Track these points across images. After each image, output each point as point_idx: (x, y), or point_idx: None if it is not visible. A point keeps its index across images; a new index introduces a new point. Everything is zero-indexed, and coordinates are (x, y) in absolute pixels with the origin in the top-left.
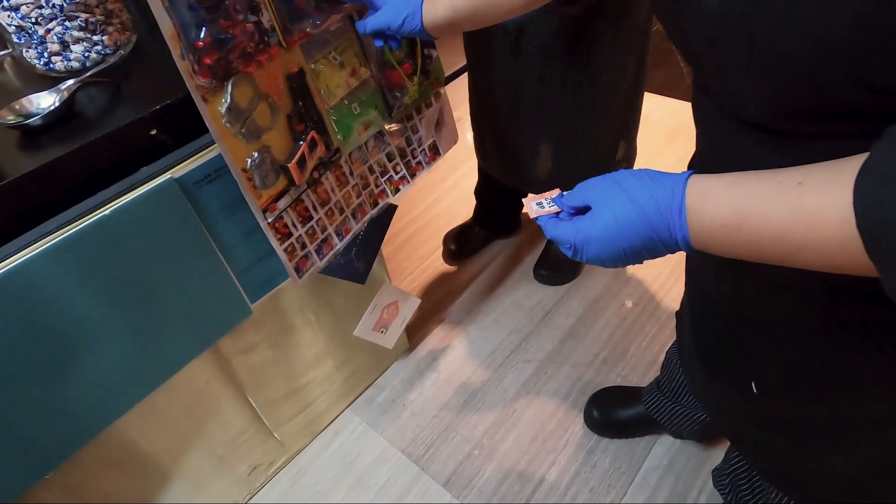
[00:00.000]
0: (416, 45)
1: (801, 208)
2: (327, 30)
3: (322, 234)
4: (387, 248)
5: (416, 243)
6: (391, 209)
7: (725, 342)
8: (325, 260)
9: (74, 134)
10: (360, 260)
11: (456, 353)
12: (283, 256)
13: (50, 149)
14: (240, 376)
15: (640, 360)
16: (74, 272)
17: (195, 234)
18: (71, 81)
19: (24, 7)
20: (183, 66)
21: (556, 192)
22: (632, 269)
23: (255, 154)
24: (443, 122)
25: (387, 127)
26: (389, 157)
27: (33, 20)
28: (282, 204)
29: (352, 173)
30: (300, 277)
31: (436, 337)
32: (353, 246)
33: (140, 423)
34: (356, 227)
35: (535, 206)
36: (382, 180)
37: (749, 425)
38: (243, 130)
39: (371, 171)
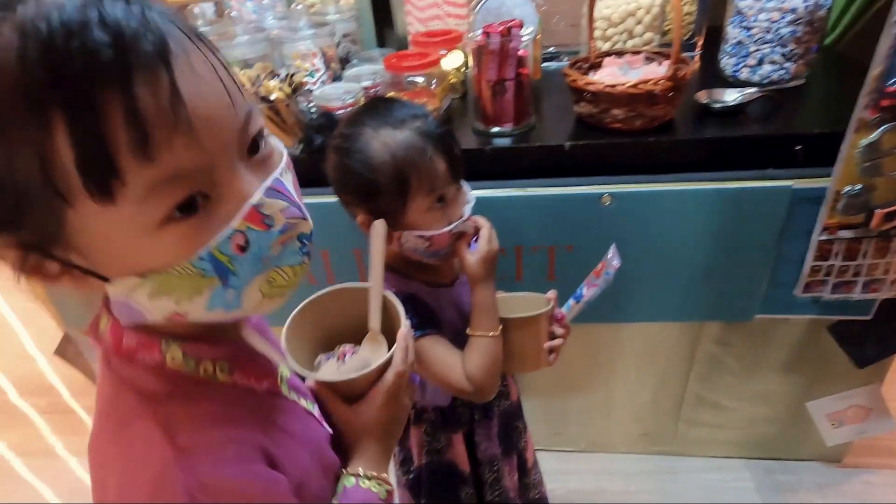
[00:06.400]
0: None
1: None
2: None
3: (852, 276)
4: None
5: None
6: None
7: None
8: (833, 296)
9: (737, 125)
10: (876, 345)
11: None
12: (806, 268)
13: (710, 128)
14: (698, 359)
15: None
16: (682, 213)
17: (769, 237)
18: (754, 89)
19: (754, 29)
20: (863, 101)
21: None
22: None
23: (859, 186)
24: None
25: None
26: None
27: (753, 39)
28: (842, 234)
29: None
30: (800, 293)
31: (880, 475)
32: (878, 327)
33: (628, 337)
34: (884, 292)
35: None
36: None
37: None
38: (866, 165)
39: None
